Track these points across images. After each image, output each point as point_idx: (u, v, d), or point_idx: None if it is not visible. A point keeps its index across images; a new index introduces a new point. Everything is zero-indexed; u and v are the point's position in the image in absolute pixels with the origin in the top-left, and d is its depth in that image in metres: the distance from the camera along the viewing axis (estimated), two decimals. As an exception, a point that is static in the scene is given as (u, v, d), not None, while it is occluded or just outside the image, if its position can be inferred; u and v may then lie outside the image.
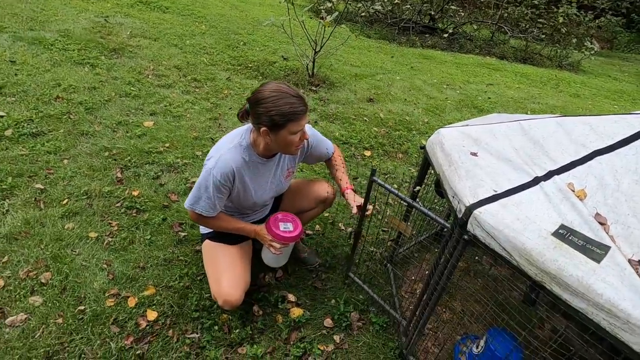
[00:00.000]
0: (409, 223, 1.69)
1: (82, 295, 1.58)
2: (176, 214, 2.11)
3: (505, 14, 8.81)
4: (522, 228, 1.02)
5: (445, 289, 1.29)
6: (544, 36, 8.39)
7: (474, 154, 1.34)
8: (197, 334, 1.53)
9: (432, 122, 3.98)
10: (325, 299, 1.75)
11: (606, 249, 0.92)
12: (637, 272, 0.87)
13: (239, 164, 1.39)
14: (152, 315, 1.55)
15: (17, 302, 1.52)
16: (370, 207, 1.55)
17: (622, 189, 1.03)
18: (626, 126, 1.16)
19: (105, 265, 1.73)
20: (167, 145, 2.70)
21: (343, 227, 2.24)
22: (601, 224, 0.98)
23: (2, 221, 1.85)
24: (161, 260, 1.81)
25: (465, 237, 1.14)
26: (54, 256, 1.72)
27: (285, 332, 1.58)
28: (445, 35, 8.16)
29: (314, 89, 4.31)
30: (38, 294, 1.56)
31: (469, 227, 1.13)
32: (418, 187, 1.62)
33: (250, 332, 1.56)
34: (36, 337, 1.41)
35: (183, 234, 1.98)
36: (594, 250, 0.93)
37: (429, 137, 1.56)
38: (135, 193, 2.19)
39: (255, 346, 1.51)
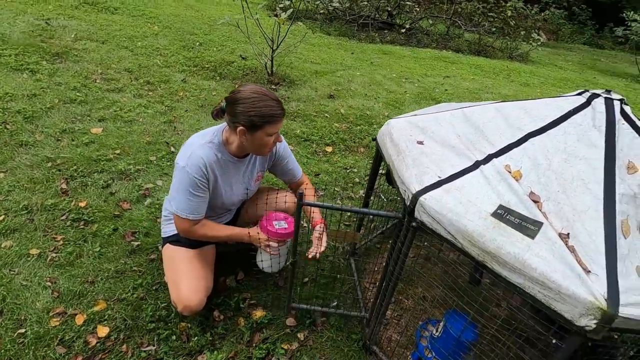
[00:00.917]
0: (355, 231, 1.61)
1: (23, 317, 1.47)
2: (128, 223, 2.01)
3: (459, 9, 9.15)
4: (464, 211, 1.05)
5: (400, 277, 1.30)
6: (495, 29, 8.80)
7: (420, 143, 1.36)
8: (153, 346, 1.46)
9: (392, 115, 4.05)
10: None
11: (539, 225, 0.96)
12: (566, 245, 0.92)
13: (211, 160, 1.38)
14: (103, 331, 1.47)
15: (-53, 332, 1.38)
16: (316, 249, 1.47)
17: (552, 167, 1.08)
18: (556, 108, 1.22)
19: (49, 283, 1.61)
20: (117, 152, 2.57)
21: (306, 225, 2.22)
22: (535, 201, 1.02)
23: None
24: (112, 272, 1.71)
25: (414, 224, 1.16)
26: (-11, 278, 1.58)
27: (248, 334, 1.55)
28: (403, 30, 8.35)
29: (274, 87, 4.27)
30: (-29, 321, 1.43)
31: (416, 214, 1.14)
32: (376, 188, 1.61)
33: (211, 338, 1.51)
34: (-30, 367, 1.30)
35: (136, 243, 1.89)
36: (528, 227, 0.97)
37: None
38: (82, 204, 2.06)
39: (215, 352, 1.46)
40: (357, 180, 2.77)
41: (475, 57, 8.06)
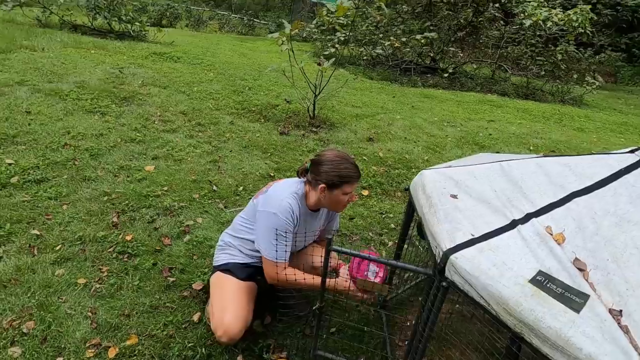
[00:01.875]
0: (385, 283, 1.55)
1: (63, 346, 1.55)
2: (167, 258, 2.10)
3: (505, 53, 9.06)
4: (499, 275, 0.98)
5: (430, 338, 1.22)
6: (544, 73, 8.54)
7: (454, 196, 1.32)
8: (176, 387, 1.46)
9: (432, 160, 3.98)
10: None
11: (585, 297, 0.87)
12: (618, 323, 0.81)
13: (296, 208, 1.57)
14: (131, 366, 1.50)
15: (-3, 353, 1.50)
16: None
17: (601, 232, 0.99)
18: (604, 166, 1.14)
19: (89, 314, 1.71)
20: (165, 188, 2.76)
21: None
22: (580, 270, 0.93)
23: (-5, 268, 1.88)
24: (147, 307, 1.78)
25: (444, 283, 1.09)
26: (40, 304, 1.71)
27: (269, 385, 1.50)
28: (446, 74, 8.39)
29: (315, 130, 4.42)
30: (18, 345, 1.53)
31: (446, 273, 1.09)
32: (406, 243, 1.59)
33: (232, 385, 1.49)
34: (11, 391, 1.37)
35: (172, 279, 1.96)
36: (573, 298, 0.88)
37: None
38: (128, 237, 2.20)
39: (236, 401, 1.43)
40: (392, 226, 2.71)
41: (523, 100, 7.81)
